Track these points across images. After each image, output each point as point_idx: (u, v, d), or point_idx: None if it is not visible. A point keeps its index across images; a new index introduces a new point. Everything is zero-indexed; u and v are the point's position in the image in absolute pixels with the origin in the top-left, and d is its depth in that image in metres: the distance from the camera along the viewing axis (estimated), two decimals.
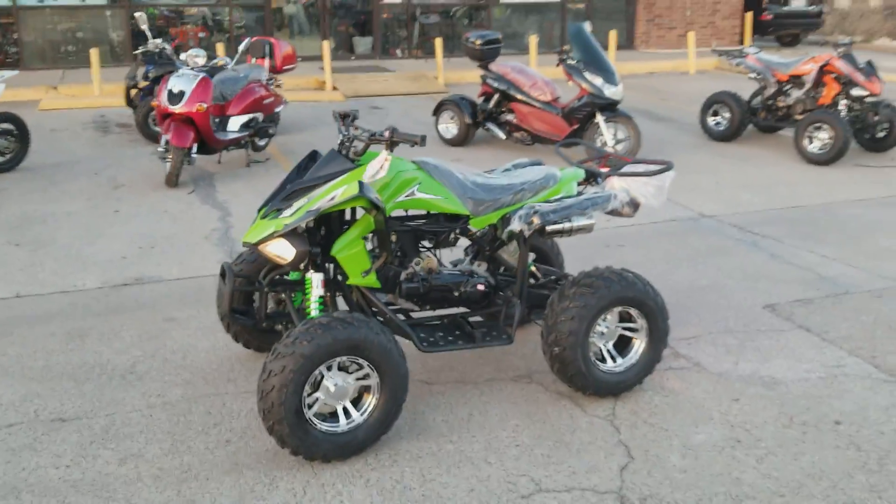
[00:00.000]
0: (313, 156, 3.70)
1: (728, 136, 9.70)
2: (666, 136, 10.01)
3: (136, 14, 9.15)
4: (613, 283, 3.67)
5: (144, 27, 8.96)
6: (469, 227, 3.84)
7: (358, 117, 3.68)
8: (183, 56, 7.63)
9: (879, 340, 4.46)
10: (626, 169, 4.03)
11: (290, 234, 3.39)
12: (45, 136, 9.42)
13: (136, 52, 9.32)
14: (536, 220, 3.66)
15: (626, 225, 6.37)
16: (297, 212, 3.37)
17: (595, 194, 3.85)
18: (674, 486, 3.19)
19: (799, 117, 9.16)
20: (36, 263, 5.57)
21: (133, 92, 9.41)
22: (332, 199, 3.35)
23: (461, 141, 9.29)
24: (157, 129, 8.74)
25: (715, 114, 9.88)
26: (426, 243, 3.90)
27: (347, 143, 3.53)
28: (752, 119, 9.69)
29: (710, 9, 19.05)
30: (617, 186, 3.95)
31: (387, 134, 3.47)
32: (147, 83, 9.04)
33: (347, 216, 3.72)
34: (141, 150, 8.88)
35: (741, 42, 18.94)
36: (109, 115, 10.86)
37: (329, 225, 3.64)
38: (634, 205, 3.95)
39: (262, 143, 8.49)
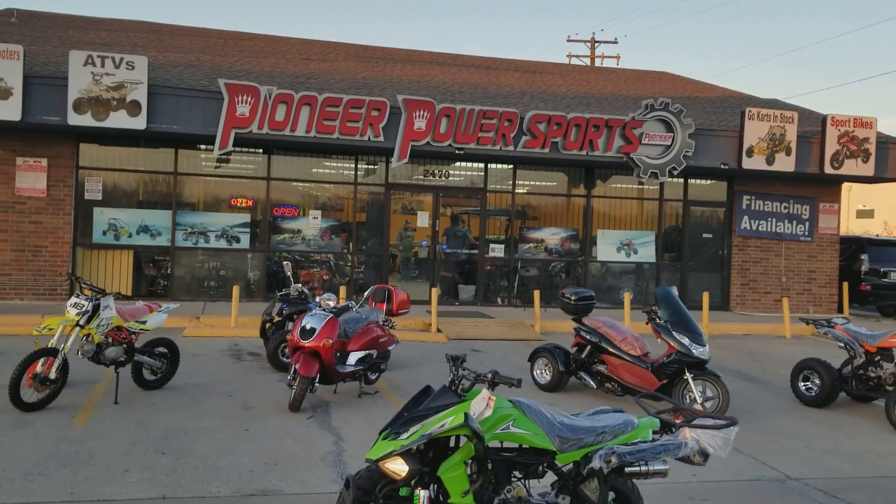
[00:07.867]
0: (426, 390, 4.49)
1: (819, 402, 9.79)
2: (757, 398, 10.27)
3: (284, 262, 10.82)
4: None
5: (289, 273, 10.53)
6: (556, 462, 4.44)
7: (466, 360, 4.47)
8: (317, 299, 8.84)
9: None
10: (696, 421, 4.61)
11: (405, 454, 4.10)
12: (187, 359, 10.61)
13: (280, 292, 10.80)
14: (614, 460, 4.25)
15: (713, 480, 6.65)
16: (412, 435, 4.10)
17: (668, 441, 4.42)
18: None
19: (890, 388, 9.25)
20: (178, 471, 6.38)
21: (267, 325, 10.69)
22: (442, 426, 4.07)
23: (554, 387, 9.85)
24: (286, 360, 9.85)
25: (805, 379, 10.03)
26: (517, 473, 4.50)
27: (457, 381, 4.31)
28: (843, 387, 9.79)
29: (806, 276, 19.64)
30: (688, 436, 4.52)
31: (489, 376, 4.25)
32: (280, 319, 10.32)
33: (452, 443, 4.41)
34: (269, 377, 9.94)
35: (839, 310, 19.26)
36: (242, 345, 12.17)
37: (436, 449, 4.32)
38: (704, 454, 4.48)
39: (373, 377, 9.41)
